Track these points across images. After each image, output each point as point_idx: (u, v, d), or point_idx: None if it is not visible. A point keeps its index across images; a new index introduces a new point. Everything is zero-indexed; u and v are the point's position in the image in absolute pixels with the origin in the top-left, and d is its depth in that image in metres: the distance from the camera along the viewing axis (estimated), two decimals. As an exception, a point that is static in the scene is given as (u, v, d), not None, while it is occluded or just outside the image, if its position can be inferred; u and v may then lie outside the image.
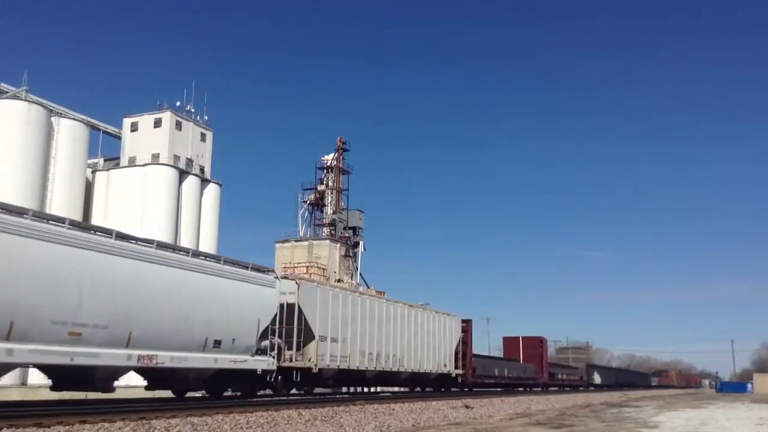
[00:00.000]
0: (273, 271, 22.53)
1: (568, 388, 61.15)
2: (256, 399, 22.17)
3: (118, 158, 65.92)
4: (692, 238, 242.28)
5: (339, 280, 70.94)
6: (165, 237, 61.44)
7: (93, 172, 64.24)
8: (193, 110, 68.41)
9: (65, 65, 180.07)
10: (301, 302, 22.61)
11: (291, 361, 22.21)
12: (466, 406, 22.32)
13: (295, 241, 73.55)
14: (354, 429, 13.93)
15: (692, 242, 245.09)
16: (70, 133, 58.87)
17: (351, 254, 75.73)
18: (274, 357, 20.84)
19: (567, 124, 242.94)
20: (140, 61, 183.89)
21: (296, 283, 23.14)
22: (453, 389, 37.02)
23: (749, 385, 76.12)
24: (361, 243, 76.54)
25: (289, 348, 22.21)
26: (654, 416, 21.69)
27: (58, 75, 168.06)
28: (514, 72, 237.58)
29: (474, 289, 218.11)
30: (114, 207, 61.95)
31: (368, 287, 73.51)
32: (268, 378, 20.88)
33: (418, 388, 35.54)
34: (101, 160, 66.09)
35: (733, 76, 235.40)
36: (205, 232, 66.45)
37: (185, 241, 61.65)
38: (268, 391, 22.98)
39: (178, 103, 67.15)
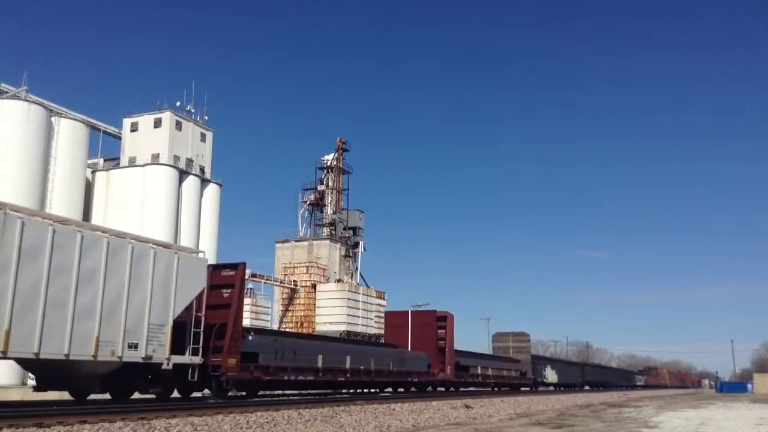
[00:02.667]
0: None
1: (503, 389, 45.91)
2: (256, 399, 22.08)
3: (118, 158, 65.91)
4: (692, 239, 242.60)
5: (339, 280, 71.00)
6: (165, 237, 61.49)
7: (93, 172, 64.23)
8: (193, 110, 68.46)
9: (65, 65, 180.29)
10: None
11: None
12: (467, 406, 22.32)
13: (295, 241, 73.61)
14: (354, 429, 13.92)
15: (692, 242, 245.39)
16: (70, 133, 58.83)
17: (351, 254, 75.75)
18: None
19: (567, 125, 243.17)
20: (140, 61, 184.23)
21: None
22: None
23: (749, 385, 76.09)
24: (361, 243, 76.62)
25: None
26: (654, 416, 21.69)
27: (58, 75, 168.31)
28: (514, 72, 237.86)
29: (474, 289, 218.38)
30: (114, 207, 61.94)
31: (368, 287, 73.55)
32: None
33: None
34: (101, 160, 66.07)
35: (736, 76, 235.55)
36: (205, 232, 66.42)
37: (185, 242, 61.67)
38: None
39: (178, 103, 67.21)
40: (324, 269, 71.09)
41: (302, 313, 69.25)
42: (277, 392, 25.51)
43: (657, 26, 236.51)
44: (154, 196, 61.80)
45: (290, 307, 70.09)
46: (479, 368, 42.10)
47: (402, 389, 32.89)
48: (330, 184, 76.05)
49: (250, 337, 21.56)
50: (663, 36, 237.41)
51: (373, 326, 69.35)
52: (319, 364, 24.86)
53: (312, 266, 70.56)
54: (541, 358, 61.60)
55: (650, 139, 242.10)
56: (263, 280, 68.08)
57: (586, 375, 70.85)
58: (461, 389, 40.46)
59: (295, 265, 71.36)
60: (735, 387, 79.57)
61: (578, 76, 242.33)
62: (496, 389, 45.23)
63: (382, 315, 72.59)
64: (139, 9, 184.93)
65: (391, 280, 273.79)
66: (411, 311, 37.17)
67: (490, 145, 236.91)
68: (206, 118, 70.13)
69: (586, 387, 69.77)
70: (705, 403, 36.64)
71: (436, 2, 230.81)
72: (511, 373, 48.59)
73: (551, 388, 58.52)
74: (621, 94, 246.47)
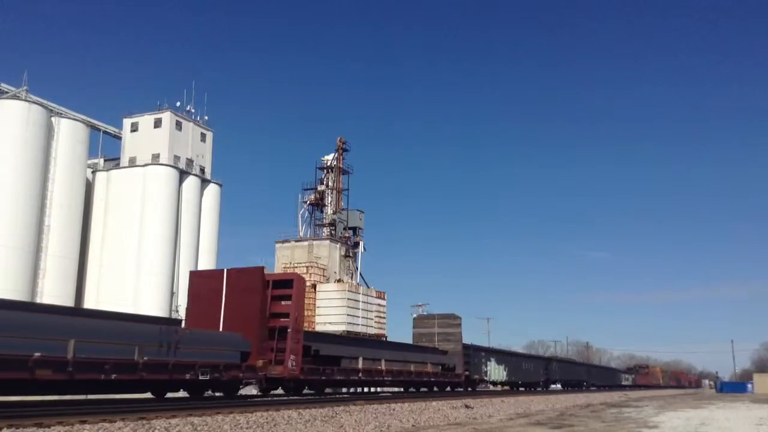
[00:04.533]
0: None
1: (407, 391, 34.50)
2: (256, 399, 22.16)
3: (118, 158, 65.94)
4: (692, 239, 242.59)
5: (339, 280, 71.01)
6: (165, 237, 61.63)
7: (93, 173, 64.24)
8: (193, 110, 68.51)
9: (65, 65, 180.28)
10: None
11: None
12: (467, 406, 22.31)
13: (295, 241, 73.55)
14: (354, 429, 13.92)
15: (692, 242, 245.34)
16: (70, 134, 58.85)
17: (351, 254, 75.70)
18: None
19: (568, 125, 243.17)
20: (140, 61, 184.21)
21: None
22: None
23: (749, 385, 76.11)
24: (361, 243, 76.53)
25: None
26: (654, 416, 21.69)
27: (58, 75, 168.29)
28: (514, 72, 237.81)
29: (474, 289, 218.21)
30: (114, 207, 61.96)
31: (368, 287, 73.56)
32: None
33: None
34: (101, 161, 66.10)
35: (736, 78, 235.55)
36: (205, 233, 66.45)
37: (185, 242, 61.79)
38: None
39: (178, 104, 67.27)
40: (324, 269, 71.06)
41: (302, 313, 69.25)
42: (277, 391, 25.85)
43: (659, 28, 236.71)
44: (154, 196, 61.81)
45: (290, 307, 70.06)
46: (361, 361, 28.13)
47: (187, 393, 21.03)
48: (330, 184, 75.99)
49: None
50: (664, 37, 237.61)
51: (373, 326, 69.33)
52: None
53: (312, 266, 70.52)
54: (482, 349, 44.12)
55: (650, 140, 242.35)
56: (263, 280, 68.04)
57: (553, 373, 58.15)
58: (328, 393, 29.02)
59: (295, 265, 71.27)
60: (735, 387, 79.57)
61: (578, 76, 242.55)
62: (406, 391, 34.57)
63: (383, 315, 72.73)
64: (139, 9, 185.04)
65: (391, 280, 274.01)
66: (228, 270, 23.66)
67: (490, 146, 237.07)
68: (206, 118, 70.22)
69: (554, 387, 60.10)
70: (705, 403, 36.63)
71: (436, 2, 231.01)
72: (427, 368, 34.36)
73: (498, 388, 47.71)
74: (621, 95, 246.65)
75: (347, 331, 64.68)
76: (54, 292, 54.76)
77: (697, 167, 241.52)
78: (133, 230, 60.38)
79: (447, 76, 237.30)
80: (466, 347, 39.97)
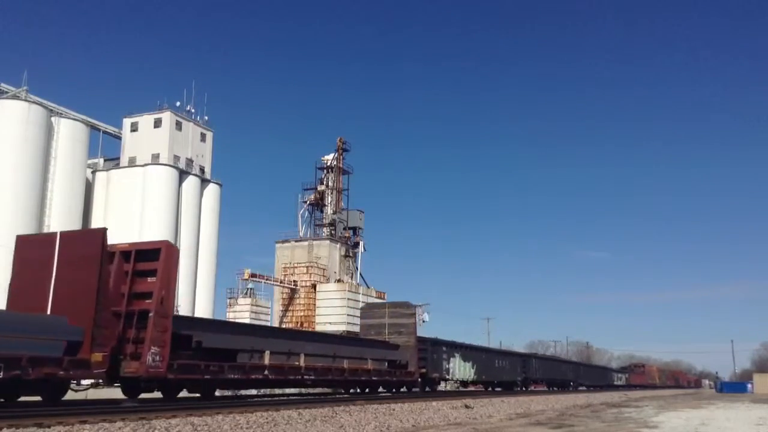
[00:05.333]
0: None
1: (345, 393, 30.08)
2: (256, 399, 22.15)
3: (118, 158, 65.92)
4: (692, 239, 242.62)
5: (339, 280, 71.03)
6: (164, 237, 61.52)
7: (93, 173, 64.24)
8: (193, 110, 68.48)
9: (65, 65, 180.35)
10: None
11: None
12: (467, 406, 22.31)
13: (295, 241, 73.62)
14: (354, 429, 13.93)
15: (693, 243, 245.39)
16: (70, 133, 58.83)
17: (351, 254, 75.75)
18: None
19: (568, 125, 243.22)
20: (140, 61, 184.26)
21: None
22: None
23: (749, 385, 76.15)
24: (361, 243, 76.61)
25: None
26: (654, 416, 21.69)
27: (58, 75, 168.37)
28: (514, 72, 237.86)
29: (474, 289, 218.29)
30: (114, 207, 61.94)
31: (368, 287, 73.56)
32: None
33: None
34: (101, 160, 66.09)
35: (736, 78, 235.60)
36: (205, 233, 66.44)
37: (185, 242, 61.75)
38: None
39: (178, 103, 67.23)
40: (324, 269, 71.10)
41: (302, 313, 69.28)
42: (276, 392, 25.52)
43: (659, 28, 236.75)
44: (154, 196, 61.80)
45: (290, 307, 70.13)
46: (268, 356, 22.25)
47: None
48: (330, 184, 76.06)
49: None
50: (664, 37, 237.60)
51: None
52: None
53: (312, 266, 70.58)
54: (443, 343, 38.51)
55: (651, 140, 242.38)
56: (263, 280, 68.11)
57: (533, 371, 52.31)
58: (223, 396, 24.36)
59: (295, 265, 71.37)
60: (735, 387, 79.61)
61: (579, 76, 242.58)
62: (337, 393, 30.76)
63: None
64: (139, 9, 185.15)
65: (391, 280, 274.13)
66: (62, 234, 17.66)
67: (490, 146, 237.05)
68: (206, 118, 70.20)
69: (535, 387, 55.11)
70: (705, 403, 36.64)
71: (436, 2, 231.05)
72: (366, 365, 28.35)
73: (472, 388, 44.17)
74: (621, 95, 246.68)
75: (347, 332, 64.67)
76: (54, 292, 54.75)
77: (697, 167, 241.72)
78: (133, 230, 60.21)
79: (447, 76, 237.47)
80: (422, 341, 34.76)
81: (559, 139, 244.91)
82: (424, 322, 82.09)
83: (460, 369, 39.40)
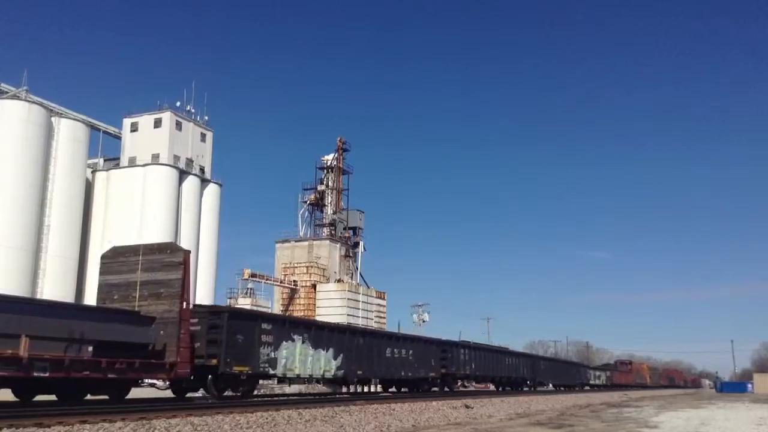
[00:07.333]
0: None
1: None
2: (256, 399, 22.16)
3: (118, 158, 65.95)
4: (693, 239, 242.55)
5: (339, 280, 71.00)
6: (165, 237, 61.53)
7: (93, 172, 64.26)
8: (193, 110, 68.52)
9: (65, 65, 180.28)
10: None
11: None
12: (467, 406, 22.31)
13: (295, 241, 73.54)
14: (354, 429, 13.93)
15: (693, 243, 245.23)
16: (70, 133, 58.87)
17: (351, 254, 75.69)
18: None
19: (568, 125, 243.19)
20: (140, 61, 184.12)
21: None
22: None
23: (749, 385, 76.10)
24: (361, 243, 76.55)
25: None
26: (654, 416, 21.68)
27: (58, 75, 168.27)
28: (514, 73, 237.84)
29: (474, 289, 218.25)
30: (114, 207, 61.97)
31: (368, 287, 73.55)
32: None
33: None
34: (101, 160, 66.12)
35: (736, 78, 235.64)
36: (205, 232, 66.45)
37: (185, 241, 61.71)
38: None
39: (178, 103, 67.28)
40: (324, 269, 71.06)
41: (302, 313, 69.21)
42: (276, 391, 25.53)
43: (659, 28, 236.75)
44: (154, 196, 61.83)
45: (290, 307, 70.06)
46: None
47: None
48: (330, 184, 75.99)
49: None
50: (664, 37, 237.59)
51: (373, 326, 69.34)
52: None
53: (312, 266, 70.53)
54: (273, 318, 24.52)
55: (651, 141, 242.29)
56: (263, 280, 68.08)
57: (460, 365, 36.24)
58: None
59: (295, 265, 71.32)
60: (735, 387, 79.57)
61: (579, 76, 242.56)
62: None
63: (383, 315, 72.76)
64: (139, 9, 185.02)
65: (391, 280, 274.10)
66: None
67: (490, 146, 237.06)
68: (206, 118, 70.23)
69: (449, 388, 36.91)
70: (705, 403, 36.63)
71: (436, 2, 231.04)
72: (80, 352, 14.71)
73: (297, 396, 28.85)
74: (621, 95, 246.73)
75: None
76: (54, 292, 54.70)
77: (697, 167, 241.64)
78: (133, 230, 60.35)
79: (447, 76, 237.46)
80: (215, 312, 20.84)
81: (560, 139, 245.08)
82: (424, 321, 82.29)
83: (308, 362, 24.40)
